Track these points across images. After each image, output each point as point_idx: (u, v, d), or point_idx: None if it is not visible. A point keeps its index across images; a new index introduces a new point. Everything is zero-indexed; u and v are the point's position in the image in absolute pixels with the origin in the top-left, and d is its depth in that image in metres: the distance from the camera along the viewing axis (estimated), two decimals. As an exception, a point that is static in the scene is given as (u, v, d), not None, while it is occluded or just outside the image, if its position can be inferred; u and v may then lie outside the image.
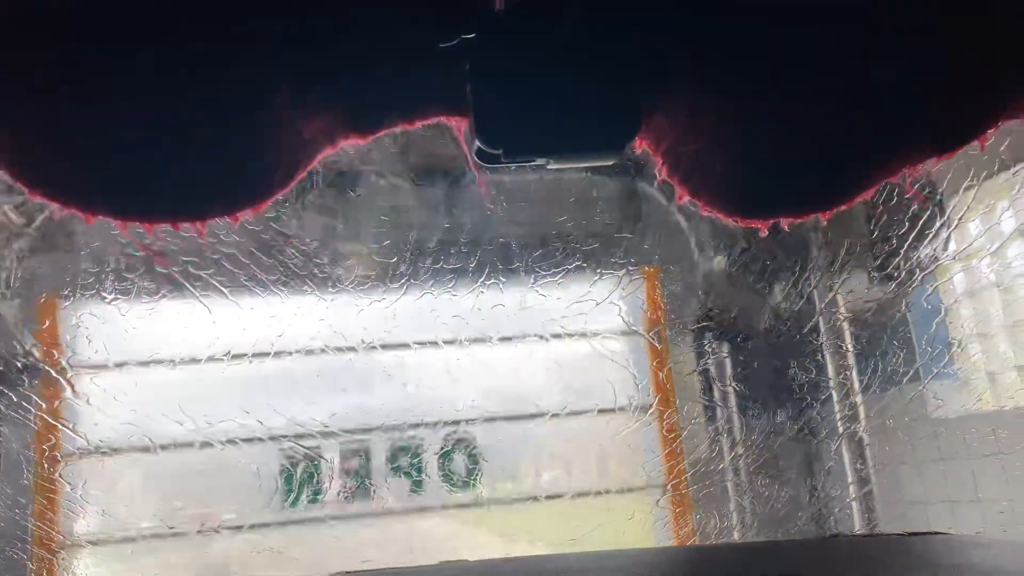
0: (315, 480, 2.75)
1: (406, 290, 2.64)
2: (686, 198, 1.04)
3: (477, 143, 0.91)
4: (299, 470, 2.73)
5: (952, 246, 2.63)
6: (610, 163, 0.99)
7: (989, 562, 0.92)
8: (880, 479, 2.92)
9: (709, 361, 3.01)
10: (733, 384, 2.99)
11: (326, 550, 2.67)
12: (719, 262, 3.04)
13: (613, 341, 2.87)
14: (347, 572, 1.29)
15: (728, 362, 3.02)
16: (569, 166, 1.01)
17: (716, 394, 3.00)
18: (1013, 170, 2.40)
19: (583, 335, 2.82)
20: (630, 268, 2.83)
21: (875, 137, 0.98)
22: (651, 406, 2.94)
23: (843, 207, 1.07)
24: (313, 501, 2.75)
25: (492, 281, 2.63)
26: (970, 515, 2.59)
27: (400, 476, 2.84)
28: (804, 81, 0.95)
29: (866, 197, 1.05)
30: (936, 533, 1.08)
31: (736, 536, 2.93)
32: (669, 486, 2.87)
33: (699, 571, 1.18)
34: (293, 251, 2.50)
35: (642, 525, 2.84)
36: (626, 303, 2.89)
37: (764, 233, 1.07)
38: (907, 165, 1.01)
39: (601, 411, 2.81)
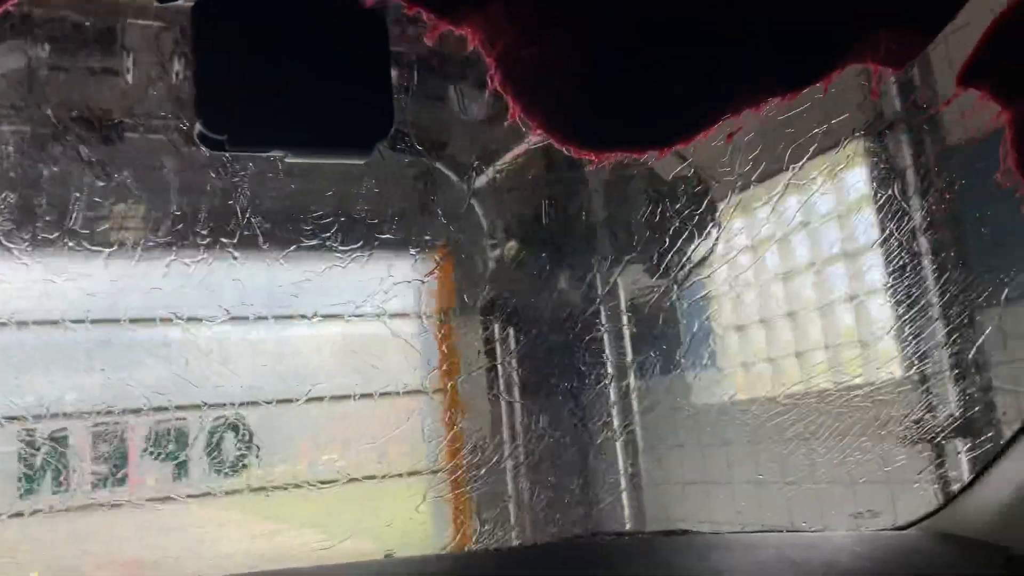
0: (61, 467, 2.52)
1: (177, 260, 2.47)
2: (519, 114, 0.94)
3: (198, 126, 0.83)
4: (41, 455, 2.49)
5: (719, 244, 2.85)
6: (359, 161, 0.93)
7: (726, 561, 1.00)
8: (647, 464, 3.12)
9: (495, 347, 3.08)
10: (517, 370, 3.07)
11: (71, 542, 2.45)
12: (509, 248, 3.11)
13: (400, 323, 2.86)
14: None
15: (513, 348, 3.10)
16: (311, 161, 0.93)
17: (500, 381, 3.08)
18: (780, 177, 2.64)
19: (368, 316, 2.78)
20: (421, 250, 2.83)
21: (721, 74, 0.94)
22: (435, 391, 2.96)
23: (682, 144, 1.01)
24: (58, 490, 2.52)
25: (274, 256, 2.52)
26: (725, 499, 2.83)
27: (162, 461, 2.67)
28: (659, 6, 0.90)
29: (704, 137, 1.00)
30: (683, 532, 1.15)
31: (513, 522, 3.02)
32: (447, 472, 2.90)
33: None
34: (44, 211, 2.27)
35: (419, 512, 2.85)
36: (415, 285, 2.88)
37: (593, 166, 1.03)
38: (751, 104, 0.97)
39: (383, 394, 2.79)
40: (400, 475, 2.89)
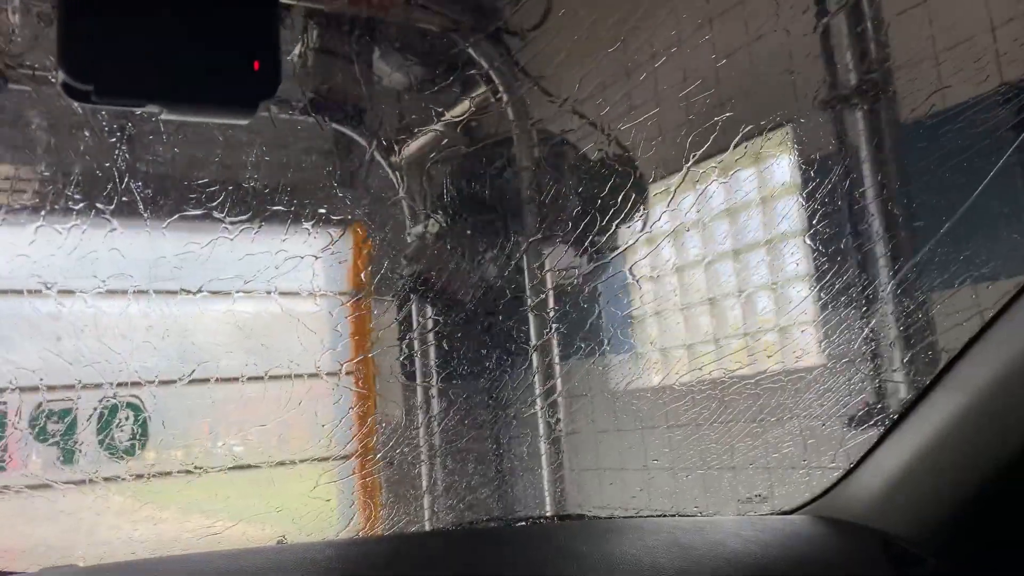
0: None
1: (46, 226, 2.37)
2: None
3: (62, 75, 0.78)
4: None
5: (645, 228, 2.89)
6: (242, 122, 0.90)
7: (619, 545, 1.02)
8: (565, 448, 3.15)
9: (412, 328, 3.06)
10: (434, 352, 3.06)
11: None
12: (430, 225, 3.09)
13: (310, 301, 2.81)
14: None
15: (429, 328, 3.08)
16: (188, 119, 0.89)
17: (416, 362, 3.06)
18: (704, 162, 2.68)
19: (276, 293, 2.73)
20: (334, 225, 2.78)
21: None
22: (346, 372, 2.92)
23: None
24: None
25: (178, 227, 2.45)
26: (636, 483, 2.88)
27: (46, 444, 2.57)
28: None
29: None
30: (579, 517, 1.18)
31: (425, 508, 3.02)
32: (353, 457, 2.87)
33: (361, 565, 1.18)
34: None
35: (317, 498, 2.83)
36: (328, 262, 2.84)
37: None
38: None
39: (290, 376, 2.74)
40: (298, 461, 2.85)
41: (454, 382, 2.97)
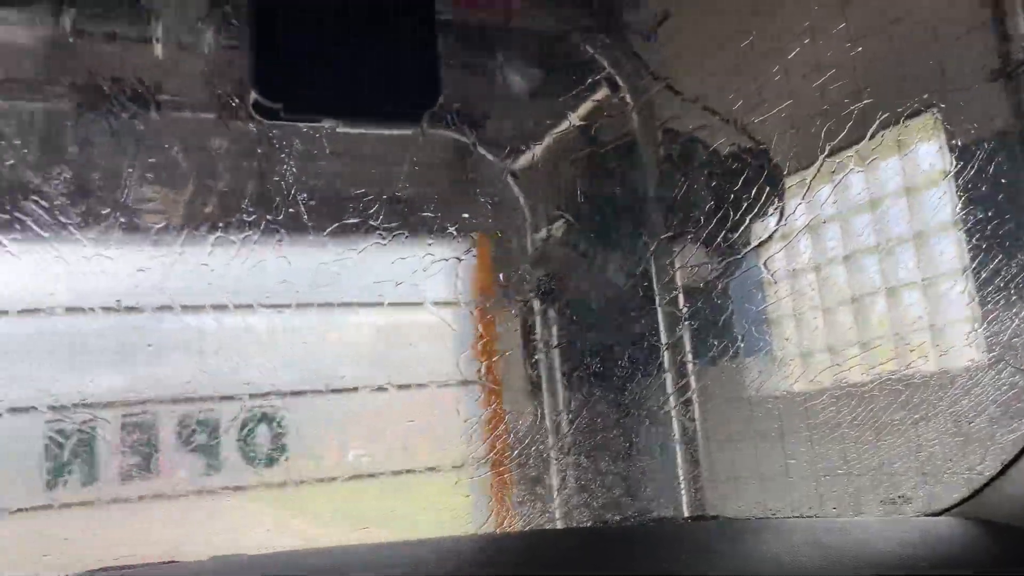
0: (89, 459, 2.60)
1: (206, 245, 2.53)
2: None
3: (254, 95, 0.89)
4: (69, 447, 2.57)
5: (780, 224, 2.80)
6: (408, 131, 1.00)
7: (758, 545, 1.00)
8: (701, 456, 3.08)
9: (537, 334, 3.07)
10: (562, 356, 3.06)
11: (102, 538, 2.53)
12: (556, 228, 3.10)
13: (436, 311, 2.87)
14: (105, 569, 1.24)
15: (558, 332, 3.08)
16: (361, 131, 0.99)
17: (543, 369, 3.07)
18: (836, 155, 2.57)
19: (404, 304, 2.81)
20: (457, 234, 2.83)
21: None
22: (474, 380, 2.96)
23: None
24: (87, 483, 2.59)
25: (304, 241, 2.56)
26: (774, 485, 2.78)
27: (193, 453, 2.73)
28: None
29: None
30: (714, 518, 1.16)
31: (558, 517, 3.01)
32: (490, 466, 2.91)
33: (496, 560, 1.21)
34: (69, 191, 2.33)
35: (458, 506, 2.87)
36: (451, 271, 2.89)
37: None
38: None
39: (420, 385, 2.81)
40: (439, 470, 2.91)
41: (584, 385, 2.96)
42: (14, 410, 2.41)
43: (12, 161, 2.31)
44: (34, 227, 2.33)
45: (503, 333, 3.00)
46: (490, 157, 3.01)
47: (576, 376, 2.98)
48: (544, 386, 3.04)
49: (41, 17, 2.28)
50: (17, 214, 2.26)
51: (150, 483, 2.66)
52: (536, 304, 3.03)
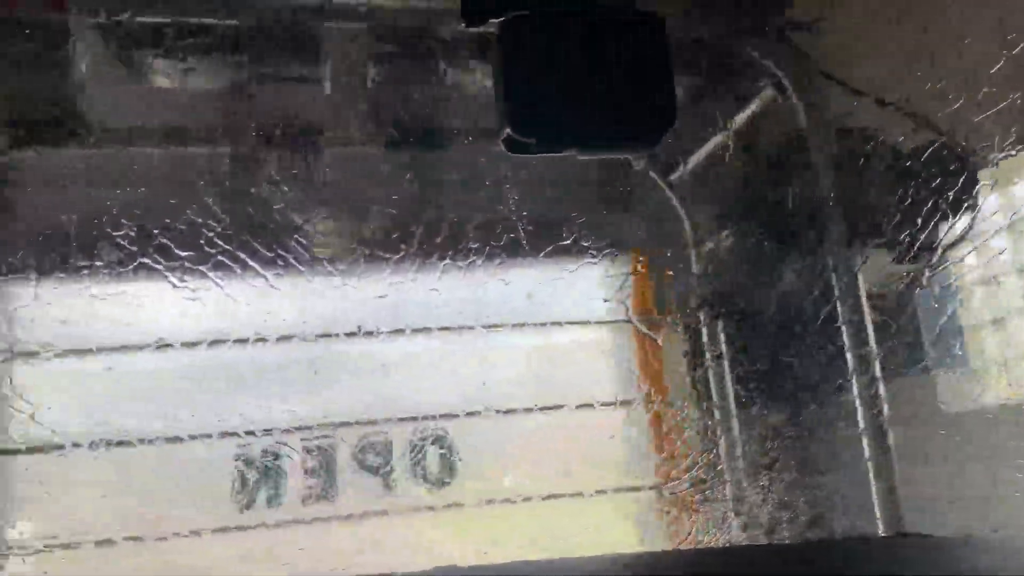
0: (274, 481, 2.72)
1: (374, 273, 2.61)
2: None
3: (508, 132, 0.92)
4: (255, 470, 2.70)
5: (973, 225, 2.60)
6: (643, 155, 1.09)
7: (961, 563, 0.92)
8: (894, 473, 2.89)
9: (706, 350, 2.98)
10: (733, 375, 2.96)
11: (288, 556, 2.64)
12: (719, 241, 3.01)
13: (597, 330, 2.85)
14: None
15: (727, 351, 2.98)
16: (599, 157, 1.09)
17: (713, 386, 2.97)
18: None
19: (564, 324, 2.80)
20: (615, 251, 2.80)
21: None
22: (638, 401, 2.92)
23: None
24: (272, 504, 2.72)
25: (462, 265, 2.60)
26: (980, 510, 2.56)
27: (368, 475, 2.81)
28: None
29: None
30: (913, 535, 1.09)
31: (733, 538, 2.91)
32: (659, 488, 2.84)
33: None
34: (248, 223, 2.46)
35: (628, 530, 2.82)
36: (611, 289, 2.87)
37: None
38: None
39: (583, 406, 2.79)
40: (606, 492, 2.87)
41: (759, 402, 2.85)
42: (206, 436, 2.56)
43: (280, 205, 2.47)
44: (295, 263, 2.49)
45: (668, 351, 2.93)
46: (650, 172, 2.96)
47: (750, 393, 2.87)
48: (714, 405, 2.94)
49: (220, 63, 2.43)
50: (280, 251, 2.42)
51: (328, 504, 2.76)
52: (704, 319, 2.94)
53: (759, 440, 2.80)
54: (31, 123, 2.37)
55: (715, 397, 2.93)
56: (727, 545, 2.71)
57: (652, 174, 2.90)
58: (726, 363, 2.93)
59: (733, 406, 2.90)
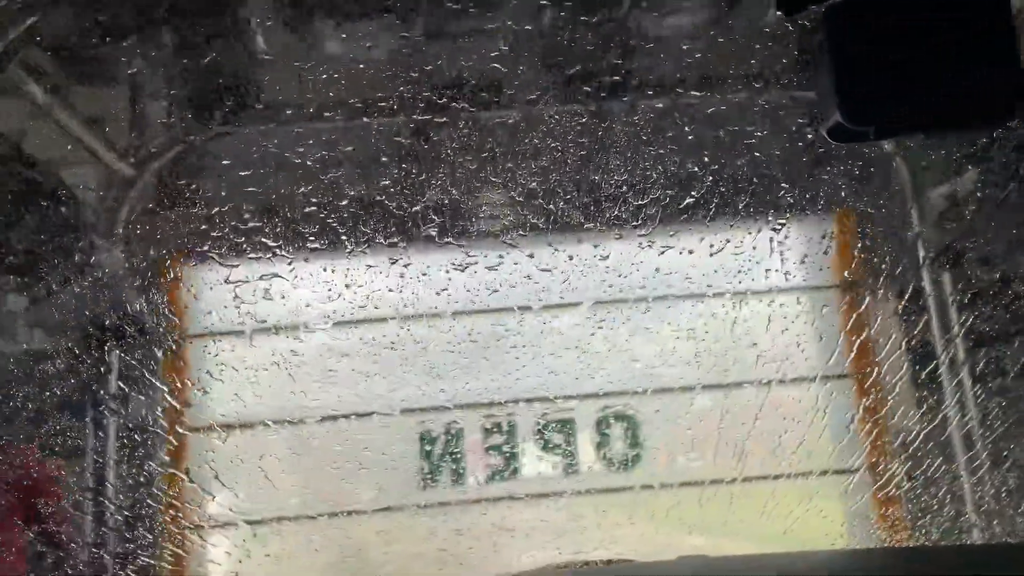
0: (456, 458, 2.72)
1: (549, 245, 2.53)
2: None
3: (836, 120, 0.94)
4: (438, 447, 2.70)
5: None
6: (991, 133, 1.03)
7: None
8: None
9: (922, 319, 2.70)
10: (957, 349, 2.67)
11: (473, 535, 2.63)
12: (939, 196, 2.71)
13: (797, 298, 2.64)
14: (568, 565, 1.28)
15: (954, 318, 2.69)
16: (942, 139, 1.08)
17: (935, 359, 2.69)
18: None
19: (761, 292, 2.61)
20: (818, 211, 2.58)
21: None
22: (845, 374, 2.70)
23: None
24: (455, 482, 2.72)
25: (651, 231, 2.47)
26: None
27: (550, 454, 2.76)
28: None
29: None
30: None
31: (954, 531, 2.65)
32: (867, 470, 2.62)
33: None
34: (423, 198, 2.43)
35: (831, 517, 2.63)
36: (812, 253, 2.65)
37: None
38: None
39: (783, 382, 2.60)
40: (806, 475, 2.69)
41: (989, 381, 2.56)
42: (390, 413, 2.58)
43: (455, 175, 2.45)
44: (468, 237, 2.48)
45: (877, 321, 2.68)
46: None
47: (979, 370, 2.58)
48: (938, 377, 2.66)
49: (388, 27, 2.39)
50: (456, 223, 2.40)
51: (510, 483, 2.73)
52: (926, 279, 2.66)
53: (998, 418, 2.50)
54: (210, 102, 2.43)
55: (941, 368, 2.65)
56: (958, 542, 2.47)
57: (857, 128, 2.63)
58: (955, 329, 2.63)
59: (965, 378, 2.61)
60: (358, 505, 2.62)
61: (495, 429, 2.73)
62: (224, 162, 2.46)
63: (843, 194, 2.61)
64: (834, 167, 2.62)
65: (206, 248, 2.37)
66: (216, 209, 2.43)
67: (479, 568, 2.58)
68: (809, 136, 2.54)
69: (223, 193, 2.44)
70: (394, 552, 2.63)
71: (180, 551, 2.45)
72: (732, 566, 1.24)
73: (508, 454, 2.74)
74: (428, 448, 2.70)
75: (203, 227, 2.39)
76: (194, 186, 2.55)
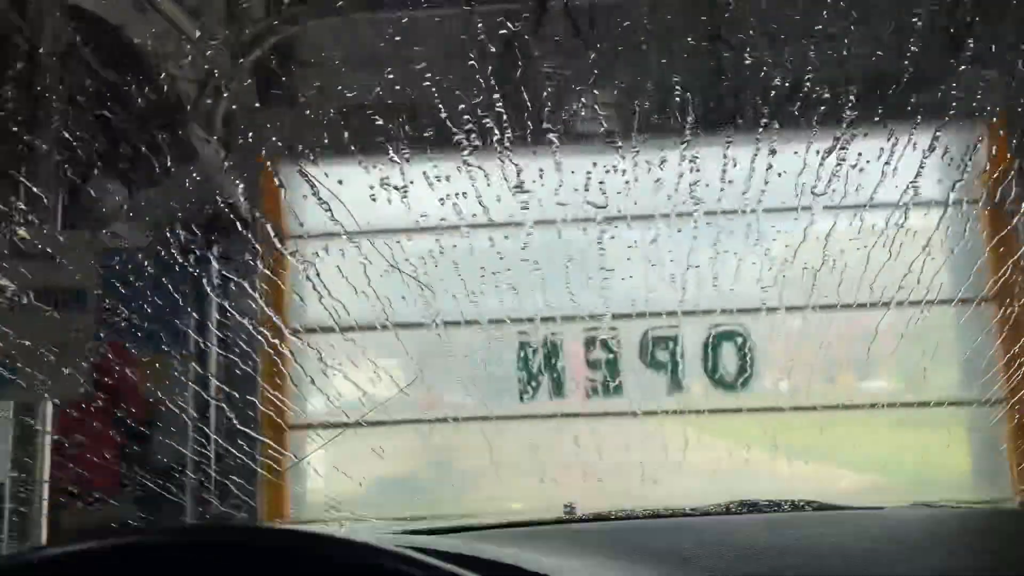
0: (556, 371, 2.66)
1: (658, 153, 2.39)
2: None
3: None
4: (537, 359, 2.65)
5: None
6: None
7: None
8: None
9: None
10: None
11: (567, 449, 2.58)
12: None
13: (933, 214, 2.43)
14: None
15: None
16: None
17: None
18: None
19: (893, 206, 2.41)
20: (962, 116, 2.35)
21: None
22: (986, 299, 2.49)
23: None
24: (555, 394, 2.66)
25: (769, 140, 2.29)
26: None
27: (655, 372, 2.66)
28: None
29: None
30: None
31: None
32: (1007, 402, 2.43)
33: None
34: (522, 102, 2.31)
35: (959, 448, 2.47)
36: (953, 164, 2.43)
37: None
38: None
39: (912, 303, 2.42)
40: (937, 403, 2.52)
41: None
42: (489, 322, 2.53)
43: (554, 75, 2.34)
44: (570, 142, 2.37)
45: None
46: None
47: None
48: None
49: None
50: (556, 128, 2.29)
51: (611, 399, 2.65)
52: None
53: None
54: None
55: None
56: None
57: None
58: None
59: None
60: (451, 413, 2.60)
61: (599, 344, 2.66)
62: (324, 55, 2.41)
63: (996, 96, 2.37)
64: (990, 64, 2.38)
65: (306, 147, 2.33)
66: (316, 106, 2.39)
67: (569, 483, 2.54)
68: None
69: (325, 89, 2.39)
70: (479, 462, 2.61)
71: (281, 448, 2.49)
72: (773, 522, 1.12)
73: (611, 370, 2.66)
74: (528, 359, 2.66)
75: (304, 125, 2.35)
76: (294, 81, 2.50)
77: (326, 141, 2.32)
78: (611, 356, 2.66)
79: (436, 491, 2.72)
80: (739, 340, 2.66)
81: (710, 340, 2.66)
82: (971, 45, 2.39)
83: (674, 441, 2.55)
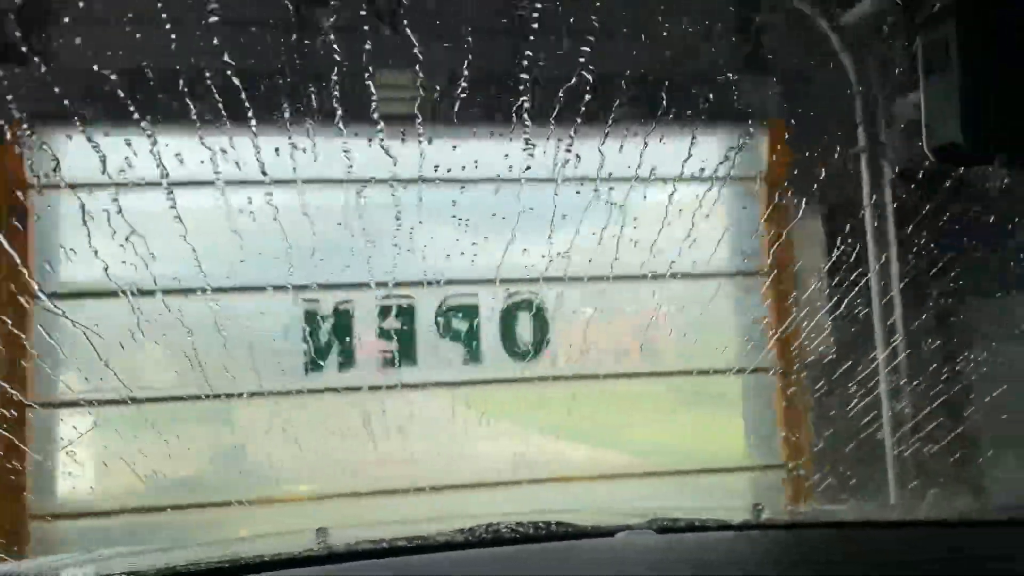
0: (345, 342, 2.51)
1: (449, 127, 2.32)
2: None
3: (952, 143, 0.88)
4: (326, 329, 2.49)
5: None
6: None
7: None
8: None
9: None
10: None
11: (359, 424, 2.45)
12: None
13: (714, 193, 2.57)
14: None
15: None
16: None
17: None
18: None
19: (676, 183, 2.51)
20: (748, 120, 2.54)
21: None
22: (760, 272, 2.67)
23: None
24: (343, 367, 2.52)
25: (568, 127, 2.29)
26: None
27: (451, 341, 2.59)
28: None
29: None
30: None
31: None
32: (780, 372, 2.63)
33: None
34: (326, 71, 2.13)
35: (731, 418, 2.64)
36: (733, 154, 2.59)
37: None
38: None
39: (695, 275, 2.55)
40: (712, 371, 2.66)
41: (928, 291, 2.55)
42: (275, 288, 2.36)
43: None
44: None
45: (801, 220, 2.64)
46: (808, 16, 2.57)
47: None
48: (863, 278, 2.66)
49: None
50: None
51: (405, 369, 2.56)
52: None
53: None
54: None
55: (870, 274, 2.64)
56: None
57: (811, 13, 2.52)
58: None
59: (894, 283, 2.61)
60: (232, 388, 2.39)
61: (391, 312, 2.54)
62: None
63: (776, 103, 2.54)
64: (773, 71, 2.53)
65: (59, 108, 2.03)
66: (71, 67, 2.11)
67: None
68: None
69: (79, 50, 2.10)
70: (269, 439, 2.44)
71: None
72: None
73: (404, 340, 2.56)
74: (314, 329, 2.50)
75: (58, 86, 2.04)
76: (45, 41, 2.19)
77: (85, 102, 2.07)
78: (406, 326, 2.56)
79: (204, 477, 2.51)
80: (536, 309, 2.65)
81: (507, 309, 2.63)
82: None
83: (471, 410, 2.53)
